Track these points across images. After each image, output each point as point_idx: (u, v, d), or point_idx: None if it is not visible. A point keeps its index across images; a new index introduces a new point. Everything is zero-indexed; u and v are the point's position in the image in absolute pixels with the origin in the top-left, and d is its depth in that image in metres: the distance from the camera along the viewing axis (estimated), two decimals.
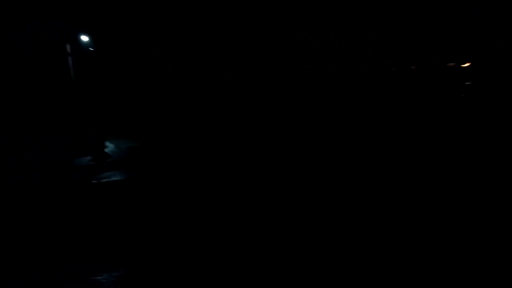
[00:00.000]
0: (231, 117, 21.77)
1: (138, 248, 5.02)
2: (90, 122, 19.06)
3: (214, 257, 4.42)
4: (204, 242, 4.90)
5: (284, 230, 5.00)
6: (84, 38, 22.37)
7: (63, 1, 18.68)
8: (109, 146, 18.77)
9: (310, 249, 4.35)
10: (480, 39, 16.09)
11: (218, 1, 21.03)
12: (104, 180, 10.25)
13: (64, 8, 18.71)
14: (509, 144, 8.91)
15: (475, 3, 16.27)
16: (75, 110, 18.91)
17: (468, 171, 7.05)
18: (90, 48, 23.88)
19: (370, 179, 6.90)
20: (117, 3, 24.08)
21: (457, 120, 12.19)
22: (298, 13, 18.35)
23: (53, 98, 18.07)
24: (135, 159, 13.99)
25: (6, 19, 15.94)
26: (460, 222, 4.67)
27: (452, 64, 16.15)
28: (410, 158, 8.22)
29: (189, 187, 8.16)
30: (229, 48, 23.78)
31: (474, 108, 13.64)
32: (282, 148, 11.04)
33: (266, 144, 12.06)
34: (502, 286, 3.25)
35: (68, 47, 18.99)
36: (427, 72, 16.50)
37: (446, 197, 5.69)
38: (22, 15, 16.77)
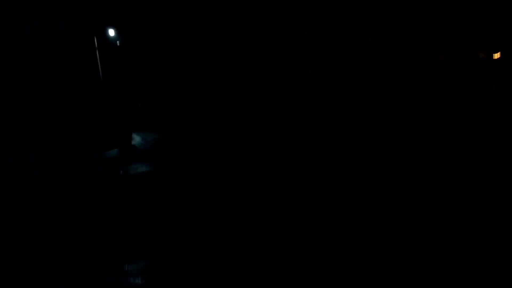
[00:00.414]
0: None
1: (168, 237, 5.07)
2: (116, 117, 19.11)
3: (237, 244, 4.43)
4: (228, 230, 4.91)
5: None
6: (111, 32, 22.34)
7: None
8: (136, 139, 18.96)
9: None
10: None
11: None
12: (132, 172, 10.43)
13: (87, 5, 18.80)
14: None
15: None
16: (101, 105, 18.97)
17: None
18: (116, 43, 23.90)
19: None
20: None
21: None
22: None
23: (80, 93, 18.17)
24: (160, 151, 14.20)
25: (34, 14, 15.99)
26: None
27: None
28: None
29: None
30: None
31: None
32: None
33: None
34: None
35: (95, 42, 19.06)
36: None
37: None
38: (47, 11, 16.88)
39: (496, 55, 15.90)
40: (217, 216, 5.84)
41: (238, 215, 5.81)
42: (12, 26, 16.00)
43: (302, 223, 5.10)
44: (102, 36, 22.16)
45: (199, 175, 9.27)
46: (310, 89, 18.24)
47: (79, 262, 4.70)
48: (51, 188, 9.72)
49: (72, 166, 13.07)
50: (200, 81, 26.43)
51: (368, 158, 8.60)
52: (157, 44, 28.19)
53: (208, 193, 7.35)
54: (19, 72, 16.27)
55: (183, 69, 27.48)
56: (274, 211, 5.81)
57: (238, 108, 22.01)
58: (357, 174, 7.39)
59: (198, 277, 3.98)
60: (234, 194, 7.09)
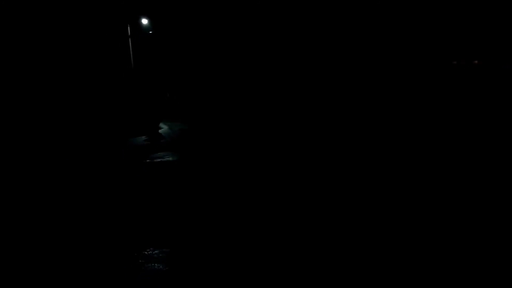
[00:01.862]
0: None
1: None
2: (145, 105, 19.51)
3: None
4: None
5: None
6: (144, 21, 22.68)
7: None
8: (163, 128, 19.37)
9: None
10: None
11: None
12: (157, 159, 10.64)
13: None
14: None
15: None
16: (131, 93, 19.40)
17: None
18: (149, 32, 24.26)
19: None
20: None
21: None
22: None
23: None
24: (186, 140, 14.43)
25: None
26: None
27: None
28: None
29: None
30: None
31: None
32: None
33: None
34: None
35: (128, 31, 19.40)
36: None
37: None
38: None
39: None
40: (237, 205, 5.80)
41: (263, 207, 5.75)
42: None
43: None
44: (135, 24, 22.49)
45: (221, 165, 9.26)
46: None
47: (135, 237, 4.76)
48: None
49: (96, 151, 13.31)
50: (228, 74, 26.43)
51: None
52: (190, 35, 28.36)
53: (229, 182, 7.32)
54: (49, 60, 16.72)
55: (214, 62, 27.56)
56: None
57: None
58: None
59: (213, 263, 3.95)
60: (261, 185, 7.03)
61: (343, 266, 3.77)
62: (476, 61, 16.71)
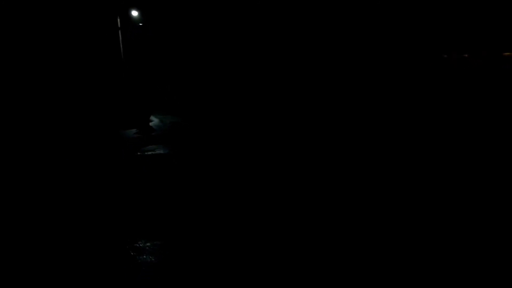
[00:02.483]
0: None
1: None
2: (135, 97, 19.30)
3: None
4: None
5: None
6: (134, 13, 22.34)
7: None
8: (154, 121, 19.20)
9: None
10: None
11: None
12: (147, 152, 10.56)
13: None
14: None
15: None
16: (121, 85, 19.13)
17: None
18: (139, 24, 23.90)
19: None
20: None
21: None
22: None
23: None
24: (176, 133, 14.31)
25: None
26: None
27: None
28: None
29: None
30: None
31: None
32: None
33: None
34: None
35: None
36: None
37: None
38: None
39: None
40: (228, 197, 5.77)
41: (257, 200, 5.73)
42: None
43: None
44: (125, 16, 22.16)
45: (213, 158, 9.21)
46: None
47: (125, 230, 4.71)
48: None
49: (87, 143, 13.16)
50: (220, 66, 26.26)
51: None
52: (181, 27, 28.08)
53: (221, 176, 7.29)
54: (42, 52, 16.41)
55: (205, 54, 27.35)
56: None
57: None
58: None
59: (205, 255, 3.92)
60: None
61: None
62: (466, 55, 16.82)
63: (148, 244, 4.37)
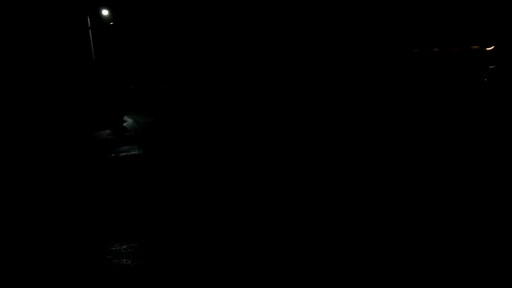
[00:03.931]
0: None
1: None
2: (108, 98, 18.85)
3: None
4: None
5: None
6: (105, 12, 21.83)
7: None
8: (128, 121, 18.78)
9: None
10: None
11: None
12: (122, 153, 10.35)
13: None
14: None
15: None
16: (93, 86, 18.66)
17: None
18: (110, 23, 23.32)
19: None
20: None
21: None
22: None
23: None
24: (150, 133, 14.03)
25: None
26: None
27: None
28: None
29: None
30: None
31: None
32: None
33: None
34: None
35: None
36: None
37: None
38: None
39: None
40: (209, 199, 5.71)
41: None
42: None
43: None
44: (95, 15, 21.62)
45: (189, 157, 9.10)
46: None
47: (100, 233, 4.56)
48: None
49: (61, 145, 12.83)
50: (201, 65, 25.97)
51: None
52: (154, 25, 27.62)
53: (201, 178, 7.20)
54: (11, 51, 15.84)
55: (181, 52, 27.01)
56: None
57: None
58: None
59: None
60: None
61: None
62: (436, 49, 17.29)
63: (124, 246, 4.26)
